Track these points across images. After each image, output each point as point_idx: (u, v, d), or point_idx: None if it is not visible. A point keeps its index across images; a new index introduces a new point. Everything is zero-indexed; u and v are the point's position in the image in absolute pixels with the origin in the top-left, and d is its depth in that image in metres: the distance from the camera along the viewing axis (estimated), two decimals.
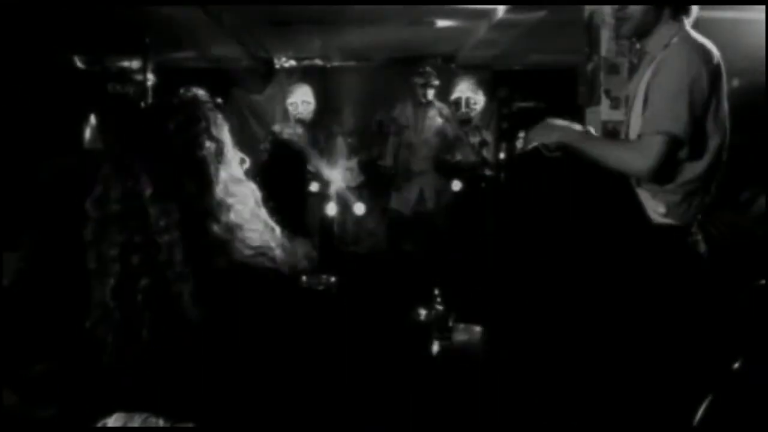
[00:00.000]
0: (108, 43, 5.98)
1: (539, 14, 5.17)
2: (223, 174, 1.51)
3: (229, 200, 1.50)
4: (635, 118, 2.26)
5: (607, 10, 4.32)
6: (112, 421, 1.35)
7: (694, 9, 2.39)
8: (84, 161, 6.31)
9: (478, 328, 3.00)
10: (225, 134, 1.56)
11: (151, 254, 1.43)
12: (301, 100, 6.13)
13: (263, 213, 1.58)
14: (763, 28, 4.17)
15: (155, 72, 6.53)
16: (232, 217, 1.50)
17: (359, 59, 7.21)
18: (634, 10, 2.31)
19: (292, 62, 7.18)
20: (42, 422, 2.54)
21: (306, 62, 7.17)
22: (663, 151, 2.09)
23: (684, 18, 2.33)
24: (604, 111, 6.26)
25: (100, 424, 1.37)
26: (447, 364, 2.71)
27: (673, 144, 2.10)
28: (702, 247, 2.21)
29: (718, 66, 2.22)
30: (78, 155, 6.27)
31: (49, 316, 4.03)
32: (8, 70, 5.33)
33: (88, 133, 6.50)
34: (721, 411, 1.78)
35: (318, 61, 7.22)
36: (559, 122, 2.33)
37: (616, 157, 2.14)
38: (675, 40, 2.24)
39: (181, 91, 1.60)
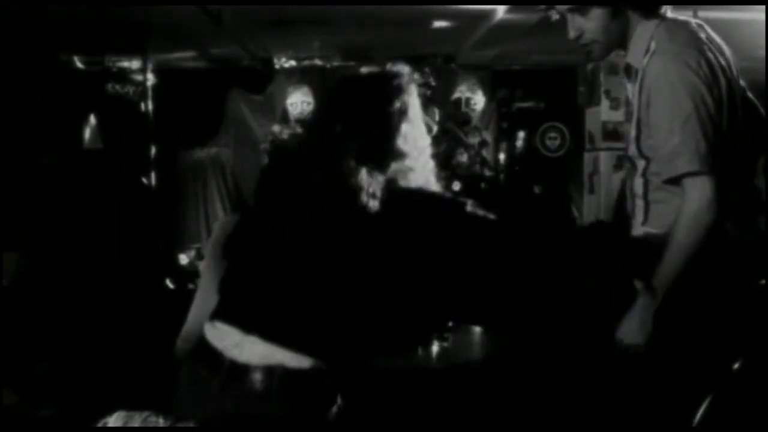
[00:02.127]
0: (108, 43, 5.98)
1: (539, 14, 5.17)
2: (405, 127, 1.72)
3: (406, 148, 1.71)
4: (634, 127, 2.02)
5: None
6: (113, 420, 1.35)
7: None
8: (84, 161, 6.33)
9: (478, 328, 3.01)
10: (416, 100, 1.77)
11: None
12: (301, 100, 6.14)
13: (430, 168, 1.77)
14: (763, 28, 4.17)
15: (155, 72, 6.56)
16: (407, 162, 1.72)
17: (359, 59, 7.21)
18: (593, 32, 1.98)
19: (292, 62, 7.17)
20: (42, 422, 2.55)
21: (306, 62, 7.16)
22: (704, 189, 1.83)
23: (658, 12, 1.98)
24: (604, 111, 6.28)
25: (100, 424, 1.37)
26: (446, 364, 2.71)
27: (707, 177, 1.84)
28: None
29: (712, 49, 1.92)
30: (77, 155, 6.28)
31: (49, 316, 4.04)
32: (8, 70, 5.33)
33: (88, 133, 6.51)
34: (721, 411, 1.78)
35: (318, 61, 7.21)
36: (636, 315, 1.92)
37: (683, 241, 1.85)
38: (653, 45, 1.91)
39: (389, 64, 1.84)
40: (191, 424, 1.47)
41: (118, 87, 6.39)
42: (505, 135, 6.90)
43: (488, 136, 6.67)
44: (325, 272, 1.64)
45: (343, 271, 1.64)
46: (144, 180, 6.35)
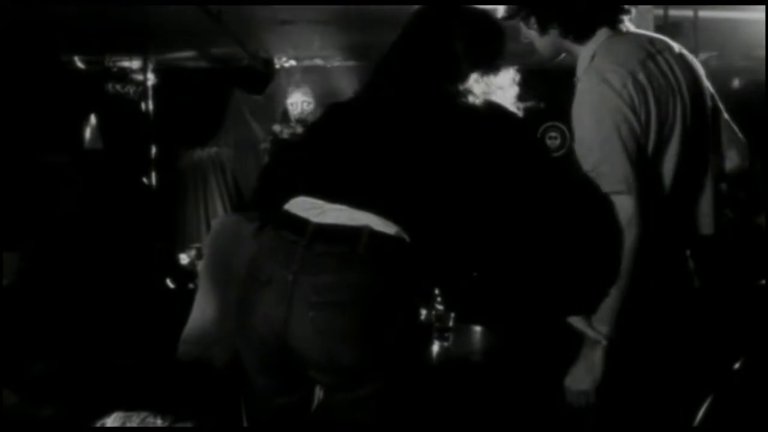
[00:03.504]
0: (108, 43, 5.98)
1: None
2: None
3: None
4: None
5: None
6: (111, 420, 1.35)
7: (622, 18, 1.98)
8: (84, 161, 6.33)
9: (478, 328, 3.00)
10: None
11: None
12: (301, 100, 6.14)
13: None
14: (763, 28, 4.17)
15: (155, 72, 6.56)
16: None
17: (359, 59, 7.20)
18: (533, 37, 2.02)
19: (292, 62, 7.17)
20: (42, 422, 2.54)
21: (306, 62, 7.16)
22: (623, 208, 1.79)
23: (602, 30, 1.94)
24: None
25: (99, 424, 1.37)
26: (446, 364, 2.71)
27: (626, 197, 1.79)
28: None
29: (659, 65, 1.89)
30: (77, 155, 6.28)
31: (49, 316, 4.04)
32: (9, 70, 5.33)
33: (88, 133, 6.51)
34: (721, 411, 1.78)
35: (318, 61, 7.21)
36: (581, 360, 1.87)
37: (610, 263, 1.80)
38: (592, 62, 1.91)
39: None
40: (190, 425, 1.47)
41: (118, 87, 6.39)
42: None
43: None
44: (412, 148, 1.69)
45: (430, 150, 1.69)
46: (144, 180, 6.35)
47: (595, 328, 1.80)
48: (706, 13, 4.85)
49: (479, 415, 2.42)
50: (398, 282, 1.65)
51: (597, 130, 1.79)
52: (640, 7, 4.27)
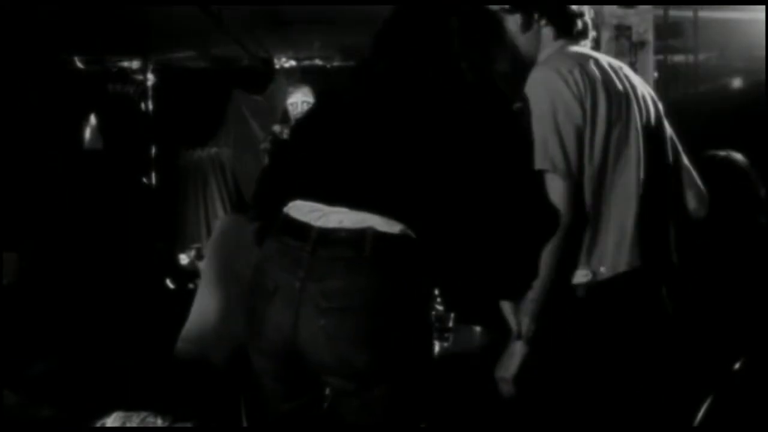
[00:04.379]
0: (108, 43, 5.98)
1: None
2: None
3: None
4: None
5: (607, 10, 4.33)
6: (111, 420, 1.36)
7: (586, 28, 2.00)
8: (84, 161, 6.32)
9: (478, 328, 3.00)
10: None
11: None
12: (301, 100, 6.11)
13: None
14: (763, 28, 4.17)
15: (155, 72, 6.56)
16: None
17: (359, 59, 7.20)
18: (513, 37, 1.98)
19: (292, 62, 7.17)
20: (42, 422, 2.54)
21: (306, 62, 7.16)
22: (555, 193, 1.76)
23: (567, 40, 1.96)
24: None
25: (99, 424, 1.37)
26: (447, 365, 2.71)
27: (558, 181, 1.77)
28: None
29: (610, 76, 1.89)
30: (77, 155, 6.28)
31: (49, 315, 4.04)
32: (9, 70, 5.33)
33: (88, 133, 6.51)
34: (721, 411, 1.78)
35: (318, 61, 7.21)
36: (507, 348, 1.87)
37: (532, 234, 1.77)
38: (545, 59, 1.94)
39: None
40: (190, 425, 1.47)
41: (118, 87, 6.39)
42: None
43: None
44: (411, 140, 1.67)
45: (427, 140, 1.67)
46: (144, 180, 6.36)
47: (518, 318, 1.80)
48: (706, 13, 4.85)
49: (479, 415, 2.41)
50: (406, 282, 1.64)
51: (535, 110, 1.80)
52: (640, 7, 4.30)
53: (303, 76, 6.91)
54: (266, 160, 5.72)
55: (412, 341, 1.66)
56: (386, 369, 1.63)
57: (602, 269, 1.82)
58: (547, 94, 1.80)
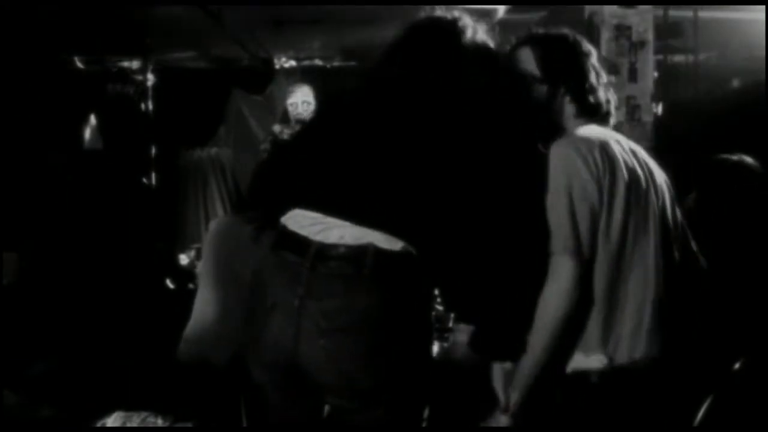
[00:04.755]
0: (108, 43, 5.98)
1: (539, 14, 5.17)
2: None
3: None
4: None
5: (607, 10, 4.33)
6: (112, 420, 1.35)
7: (610, 111, 1.97)
8: (84, 161, 6.32)
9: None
10: None
11: None
12: (301, 100, 6.11)
13: None
14: (763, 28, 4.17)
15: (155, 72, 6.55)
16: None
17: (359, 59, 7.20)
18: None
19: (292, 62, 7.17)
20: (42, 422, 2.54)
21: (306, 62, 7.16)
22: (562, 272, 1.73)
23: (588, 118, 1.92)
24: None
25: (99, 424, 1.37)
26: (446, 365, 2.71)
27: (567, 262, 1.73)
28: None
29: (628, 157, 1.85)
30: (77, 155, 6.28)
31: (49, 315, 4.04)
32: (9, 70, 5.33)
33: (88, 133, 6.51)
34: (721, 411, 1.78)
35: (318, 61, 7.21)
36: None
37: (537, 324, 1.74)
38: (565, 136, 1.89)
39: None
40: (190, 424, 1.47)
41: (118, 87, 6.39)
42: None
43: None
44: (412, 156, 1.64)
45: (428, 157, 1.64)
46: (144, 180, 6.35)
47: (506, 390, 1.79)
48: (706, 13, 4.85)
49: (479, 417, 2.41)
50: (407, 300, 1.62)
51: (551, 186, 1.77)
52: (640, 7, 4.30)
53: (303, 76, 6.91)
54: (266, 160, 5.72)
55: (413, 360, 1.64)
56: (389, 388, 1.61)
57: (618, 355, 1.77)
58: (565, 171, 1.76)
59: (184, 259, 5.25)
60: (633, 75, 4.30)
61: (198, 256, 5.21)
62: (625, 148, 1.87)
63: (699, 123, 4.03)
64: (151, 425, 1.35)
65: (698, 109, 4.54)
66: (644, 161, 1.90)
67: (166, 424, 1.37)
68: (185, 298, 3.13)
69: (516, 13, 5.13)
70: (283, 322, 1.63)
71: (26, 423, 2.53)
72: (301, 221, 1.68)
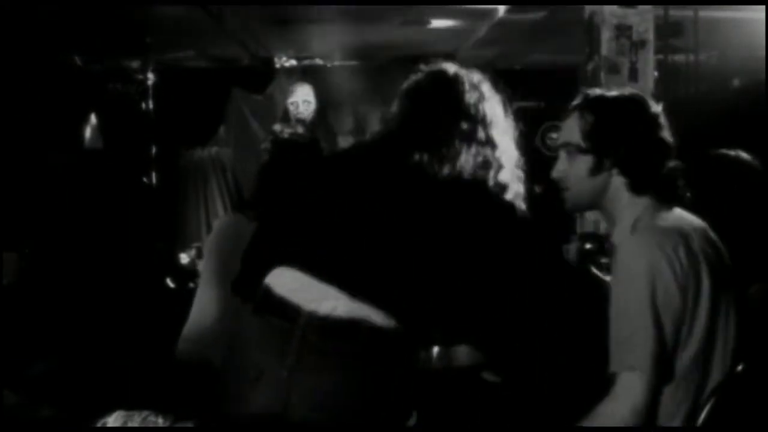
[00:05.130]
0: (108, 43, 5.98)
1: (539, 14, 5.17)
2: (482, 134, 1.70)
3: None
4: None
5: (607, 10, 4.33)
6: (113, 419, 1.36)
7: (676, 188, 1.77)
8: (84, 161, 6.33)
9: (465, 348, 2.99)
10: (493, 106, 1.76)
11: None
12: (302, 99, 6.12)
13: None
14: (763, 28, 4.17)
15: (155, 72, 6.55)
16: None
17: (359, 59, 7.20)
18: (570, 178, 1.79)
19: (292, 62, 7.17)
20: (42, 422, 2.54)
21: (306, 62, 7.16)
22: (633, 390, 1.57)
23: (651, 194, 1.73)
24: None
25: (100, 424, 1.37)
26: (446, 367, 2.71)
27: (638, 383, 1.58)
28: None
29: (706, 242, 1.70)
30: (77, 155, 6.28)
31: (49, 315, 4.04)
32: (8, 69, 5.33)
33: (88, 133, 6.51)
34: (722, 413, 1.78)
35: (318, 61, 7.21)
36: None
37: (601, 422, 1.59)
38: (638, 224, 1.70)
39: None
40: (191, 424, 1.47)
41: (118, 86, 6.39)
42: None
43: None
44: (419, 238, 1.59)
45: (421, 240, 1.59)
46: (144, 179, 6.35)
47: None
48: (706, 13, 4.85)
49: (479, 419, 2.42)
50: (398, 378, 1.59)
51: (634, 300, 1.59)
52: (640, 6, 4.30)
53: (303, 75, 6.91)
54: (267, 159, 5.72)
55: (403, 418, 1.63)
56: None
57: None
58: (647, 276, 1.58)
59: (184, 259, 5.25)
60: (633, 75, 4.30)
61: (198, 255, 5.21)
62: (708, 235, 1.73)
63: (699, 123, 4.03)
64: (151, 425, 1.35)
65: (698, 108, 4.54)
66: (717, 242, 1.74)
67: (167, 424, 1.37)
68: (185, 298, 3.13)
69: (516, 13, 5.13)
70: (270, 394, 1.55)
71: (26, 423, 2.53)
72: (289, 283, 1.61)
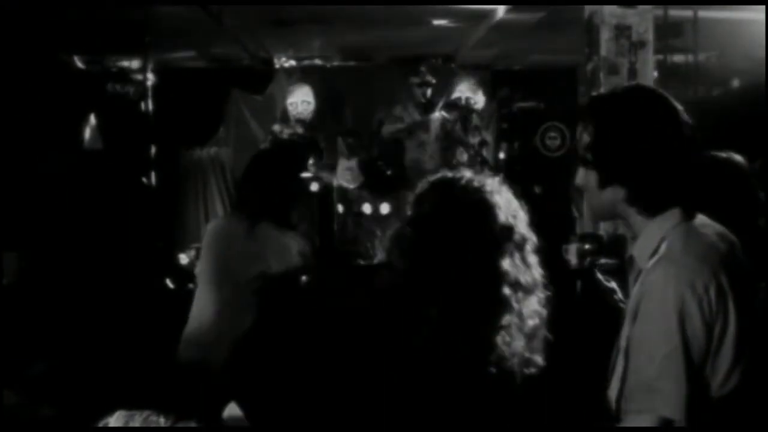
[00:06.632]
0: (108, 43, 5.98)
1: (539, 14, 5.18)
2: None
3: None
4: (618, 367, 1.64)
5: (607, 10, 4.33)
6: (114, 419, 1.35)
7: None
8: (84, 161, 6.33)
9: None
10: None
11: None
12: (301, 100, 6.13)
13: None
14: (763, 28, 4.17)
15: (155, 72, 6.56)
16: None
17: (359, 59, 7.21)
18: (587, 191, 1.70)
19: (292, 62, 7.18)
20: (42, 422, 2.54)
21: (306, 62, 7.17)
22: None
23: (673, 211, 1.61)
24: None
25: (101, 424, 1.37)
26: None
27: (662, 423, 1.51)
28: None
29: (730, 265, 1.60)
30: (77, 155, 6.28)
31: (49, 315, 4.04)
32: (8, 70, 5.33)
33: (88, 133, 6.51)
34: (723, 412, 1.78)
35: (318, 61, 7.22)
36: None
37: None
38: (663, 248, 1.58)
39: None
40: (193, 424, 1.47)
41: (118, 87, 6.39)
42: (505, 135, 6.90)
43: (488, 136, 6.66)
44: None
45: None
46: (144, 180, 6.35)
47: None
48: (706, 13, 4.86)
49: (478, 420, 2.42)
50: None
51: (664, 341, 1.51)
52: (640, 7, 4.31)
53: (303, 76, 6.92)
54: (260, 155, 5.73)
55: None
56: None
57: None
58: (679, 323, 1.50)
59: (183, 259, 5.26)
60: (633, 75, 4.31)
61: (198, 256, 5.21)
62: (727, 253, 1.63)
63: (698, 123, 4.03)
64: (153, 424, 1.35)
65: (698, 109, 4.54)
66: (744, 265, 1.66)
67: (169, 423, 1.37)
68: (185, 298, 3.14)
69: (516, 13, 5.13)
70: None
71: (26, 423, 2.53)
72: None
